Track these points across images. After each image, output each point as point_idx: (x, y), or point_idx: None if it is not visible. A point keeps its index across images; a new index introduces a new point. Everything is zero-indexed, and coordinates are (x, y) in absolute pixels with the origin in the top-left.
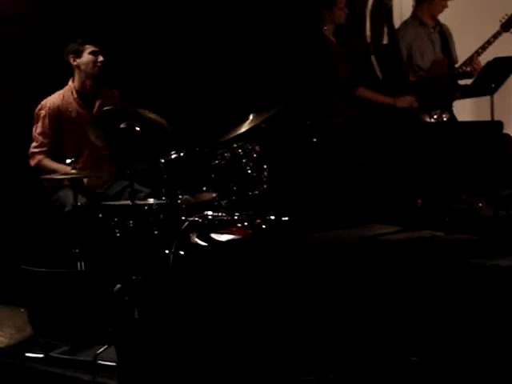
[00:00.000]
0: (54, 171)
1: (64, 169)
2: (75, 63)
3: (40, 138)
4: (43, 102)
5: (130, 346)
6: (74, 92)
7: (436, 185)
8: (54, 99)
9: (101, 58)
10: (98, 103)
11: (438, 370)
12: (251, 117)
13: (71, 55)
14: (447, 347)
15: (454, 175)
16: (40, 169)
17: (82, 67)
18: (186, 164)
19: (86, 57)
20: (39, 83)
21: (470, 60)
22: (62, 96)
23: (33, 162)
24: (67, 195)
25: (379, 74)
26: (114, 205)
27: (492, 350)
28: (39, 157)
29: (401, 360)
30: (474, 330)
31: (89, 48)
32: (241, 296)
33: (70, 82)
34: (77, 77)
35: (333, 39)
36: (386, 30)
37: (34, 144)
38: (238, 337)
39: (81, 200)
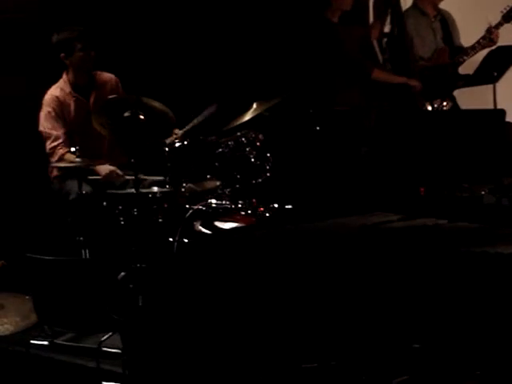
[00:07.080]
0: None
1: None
2: (67, 61)
3: (53, 133)
4: (45, 98)
5: (134, 334)
6: (69, 85)
7: (439, 173)
8: (53, 92)
9: (92, 54)
10: (93, 94)
11: (440, 357)
12: (254, 105)
13: (62, 54)
14: (449, 335)
15: (456, 163)
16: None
17: (75, 64)
18: (189, 152)
19: (78, 54)
20: (42, 73)
21: (472, 49)
22: (59, 89)
23: (55, 158)
24: (72, 184)
25: (380, 59)
26: (119, 193)
27: (494, 337)
28: (60, 151)
29: (403, 347)
30: (476, 318)
31: (78, 45)
32: (244, 284)
33: (65, 75)
34: (70, 70)
35: (339, 25)
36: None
37: (49, 141)
38: (242, 324)
39: (85, 188)
